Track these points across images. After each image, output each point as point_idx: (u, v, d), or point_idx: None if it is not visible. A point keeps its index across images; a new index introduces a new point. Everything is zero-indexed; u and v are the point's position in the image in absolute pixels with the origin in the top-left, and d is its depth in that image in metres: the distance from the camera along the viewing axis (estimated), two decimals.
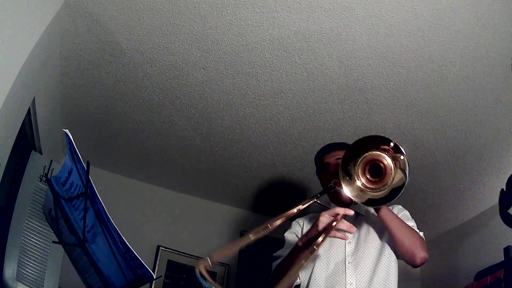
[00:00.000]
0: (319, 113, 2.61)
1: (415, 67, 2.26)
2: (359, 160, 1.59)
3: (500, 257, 2.50)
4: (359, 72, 2.32)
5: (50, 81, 2.37)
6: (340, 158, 1.86)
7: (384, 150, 1.55)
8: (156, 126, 2.84)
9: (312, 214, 2.06)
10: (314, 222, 1.61)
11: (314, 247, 1.47)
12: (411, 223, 1.79)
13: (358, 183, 1.59)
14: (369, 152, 1.57)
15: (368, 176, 1.59)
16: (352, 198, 1.58)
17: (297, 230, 1.98)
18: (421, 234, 1.75)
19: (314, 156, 2.02)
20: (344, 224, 1.57)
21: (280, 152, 2.96)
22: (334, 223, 1.55)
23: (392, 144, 1.53)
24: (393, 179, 1.54)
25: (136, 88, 2.56)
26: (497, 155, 2.69)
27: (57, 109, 2.68)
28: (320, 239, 1.50)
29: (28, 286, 1.94)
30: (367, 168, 1.59)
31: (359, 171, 1.59)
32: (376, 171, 1.58)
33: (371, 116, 2.59)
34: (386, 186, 1.55)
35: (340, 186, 1.61)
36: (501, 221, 2.39)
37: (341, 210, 1.57)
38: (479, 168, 2.80)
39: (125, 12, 2.10)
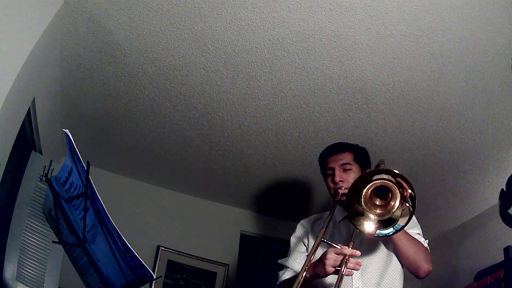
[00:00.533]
0: (319, 113, 2.61)
1: (415, 67, 2.26)
2: (365, 189, 1.58)
3: (500, 257, 2.50)
4: (359, 72, 2.32)
5: (50, 81, 2.37)
6: (345, 163, 1.86)
7: (400, 185, 1.54)
8: (156, 126, 2.84)
9: (317, 215, 2.05)
10: (321, 259, 1.59)
11: None
12: (417, 231, 1.79)
13: (372, 216, 1.58)
14: (382, 180, 1.56)
15: (376, 202, 1.59)
16: (376, 233, 1.57)
17: (302, 233, 1.98)
18: (426, 243, 1.76)
19: (317, 155, 2.01)
20: (351, 263, 1.56)
21: (280, 152, 2.96)
22: (344, 263, 1.55)
23: (410, 190, 1.53)
24: (393, 212, 1.56)
25: (136, 88, 2.56)
26: (497, 155, 2.69)
27: (57, 109, 2.68)
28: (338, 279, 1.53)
29: (28, 286, 1.94)
30: (373, 193, 1.59)
31: (368, 203, 1.59)
32: (382, 194, 1.58)
33: (371, 116, 2.59)
34: (390, 213, 1.56)
35: (345, 198, 1.63)
36: (501, 221, 2.39)
37: (348, 251, 1.55)
38: (479, 168, 2.80)
39: (125, 12, 2.10)
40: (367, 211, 1.58)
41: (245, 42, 2.22)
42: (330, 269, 1.55)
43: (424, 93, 2.41)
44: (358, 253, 1.56)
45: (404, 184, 1.53)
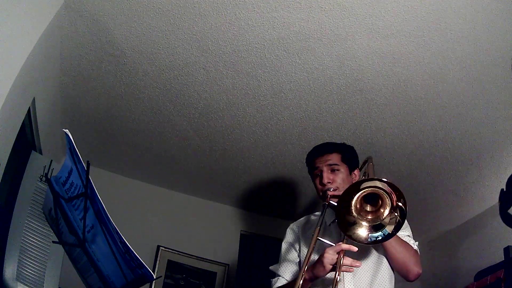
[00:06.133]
0: (319, 113, 2.61)
1: (415, 67, 2.26)
2: (354, 200, 1.58)
3: (500, 257, 2.50)
4: (359, 72, 2.32)
5: (50, 81, 2.37)
6: (332, 163, 1.86)
7: (390, 194, 1.54)
8: (156, 126, 2.84)
9: (304, 218, 2.05)
10: (319, 259, 1.61)
11: None
12: (407, 233, 1.79)
13: (364, 223, 1.59)
14: (373, 188, 1.55)
15: (367, 208, 1.59)
16: (370, 239, 1.58)
17: (293, 239, 1.98)
18: (416, 246, 1.77)
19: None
20: (348, 260, 1.58)
21: (280, 152, 2.96)
22: (341, 260, 1.57)
23: (400, 203, 1.53)
24: (383, 218, 1.57)
25: (136, 88, 2.56)
26: (497, 155, 2.68)
27: (57, 109, 2.68)
28: (337, 277, 1.55)
29: (28, 286, 1.94)
30: (363, 200, 1.59)
31: (360, 211, 1.59)
32: (372, 200, 1.59)
33: (371, 116, 2.59)
34: (380, 219, 1.57)
35: (335, 200, 1.64)
36: (501, 221, 2.39)
37: (345, 246, 1.57)
38: (479, 168, 2.80)
39: (125, 12, 2.10)
40: (358, 219, 1.58)
41: (245, 42, 2.22)
42: (328, 266, 1.58)
43: (424, 93, 2.41)
44: (355, 248, 1.58)
45: (394, 193, 1.53)
